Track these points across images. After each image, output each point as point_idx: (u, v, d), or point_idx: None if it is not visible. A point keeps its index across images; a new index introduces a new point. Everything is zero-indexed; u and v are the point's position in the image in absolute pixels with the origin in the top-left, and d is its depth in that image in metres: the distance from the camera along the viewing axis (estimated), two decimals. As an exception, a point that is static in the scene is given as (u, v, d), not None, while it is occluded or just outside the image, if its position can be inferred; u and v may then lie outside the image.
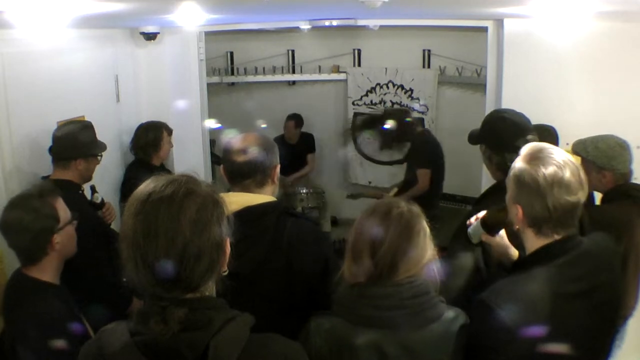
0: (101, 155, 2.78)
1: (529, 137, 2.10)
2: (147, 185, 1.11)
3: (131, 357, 1.05)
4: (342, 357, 1.42)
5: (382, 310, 1.42)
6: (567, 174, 1.44)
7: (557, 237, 1.49)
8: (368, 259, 1.44)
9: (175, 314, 1.04)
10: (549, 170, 1.44)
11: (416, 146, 4.31)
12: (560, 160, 1.47)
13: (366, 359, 1.40)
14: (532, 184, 1.45)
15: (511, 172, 1.54)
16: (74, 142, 2.61)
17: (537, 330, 1.39)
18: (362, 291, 1.45)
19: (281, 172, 1.91)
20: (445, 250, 2.02)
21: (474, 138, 2.28)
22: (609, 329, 1.59)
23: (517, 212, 1.51)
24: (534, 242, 1.53)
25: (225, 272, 1.16)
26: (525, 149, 1.55)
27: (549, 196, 1.44)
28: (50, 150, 2.62)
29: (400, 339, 1.41)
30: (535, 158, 1.49)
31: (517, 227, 1.55)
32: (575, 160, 2.59)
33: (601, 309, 1.51)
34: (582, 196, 1.47)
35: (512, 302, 1.41)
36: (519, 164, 1.52)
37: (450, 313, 1.48)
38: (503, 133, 2.13)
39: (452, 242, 2.09)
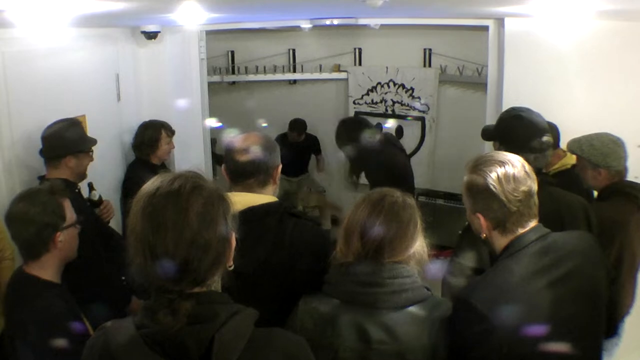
0: (92, 151, 2.75)
1: (545, 138, 2.09)
2: (154, 182, 1.13)
3: (137, 350, 1.06)
4: (325, 332, 1.48)
5: (364, 287, 1.49)
6: (511, 169, 1.54)
7: (522, 230, 1.56)
8: (357, 240, 1.53)
9: (182, 306, 1.06)
10: (493, 171, 1.54)
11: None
12: (501, 159, 1.56)
13: (347, 335, 1.46)
14: (484, 189, 1.54)
15: (462, 187, 1.63)
16: (61, 140, 2.60)
17: (514, 318, 1.43)
18: (348, 269, 1.53)
19: (282, 171, 1.92)
20: (444, 250, 2.03)
21: (488, 135, 2.27)
22: (591, 316, 1.60)
23: (479, 221, 1.59)
24: (502, 242, 1.59)
25: (230, 267, 1.17)
26: (468, 163, 1.64)
27: (501, 193, 1.52)
28: (41, 152, 2.62)
29: (380, 317, 1.47)
30: (477, 166, 1.58)
31: (484, 235, 1.61)
32: (572, 158, 2.62)
33: (578, 295, 1.55)
34: (532, 185, 1.55)
35: (486, 291, 1.48)
36: (465, 177, 1.61)
37: (434, 299, 1.54)
38: (518, 133, 2.10)
39: (459, 240, 2.09)
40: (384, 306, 1.47)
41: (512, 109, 2.31)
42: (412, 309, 1.49)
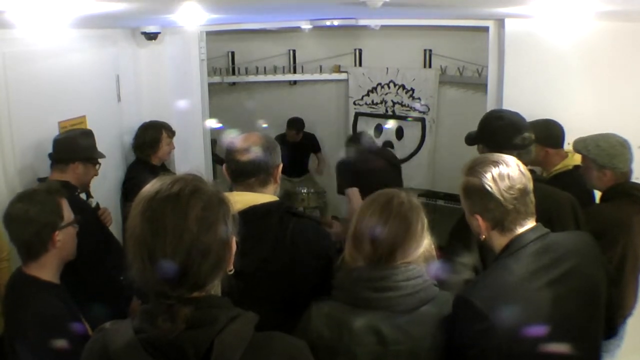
0: (99, 164, 2.80)
1: (526, 134, 2.13)
2: (153, 185, 1.11)
3: (135, 355, 1.05)
4: (342, 339, 1.47)
5: (379, 292, 1.49)
6: (505, 168, 1.56)
7: (520, 229, 1.57)
8: (368, 245, 1.53)
9: (181, 312, 1.05)
10: (488, 171, 1.56)
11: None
12: (495, 159, 1.58)
13: (364, 340, 1.46)
14: (480, 189, 1.56)
15: (460, 190, 1.65)
16: (73, 146, 2.64)
17: (513, 317, 1.43)
18: (360, 275, 1.52)
19: (283, 171, 1.92)
20: (443, 249, 2.03)
21: (471, 139, 2.30)
22: (590, 316, 1.60)
23: (477, 222, 1.59)
24: (501, 241, 1.60)
25: (230, 271, 1.16)
26: (464, 167, 1.65)
27: (497, 192, 1.54)
28: (50, 155, 2.64)
29: (396, 319, 1.47)
30: (473, 168, 1.60)
31: (483, 236, 1.61)
32: (576, 158, 2.62)
33: (577, 295, 1.55)
34: (527, 183, 1.57)
35: (485, 290, 1.49)
36: (462, 180, 1.63)
37: (442, 296, 1.55)
38: (500, 131, 2.15)
39: (450, 240, 2.09)
40: (398, 309, 1.48)
41: (493, 111, 2.38)
42: (425, 308, 1.50)
